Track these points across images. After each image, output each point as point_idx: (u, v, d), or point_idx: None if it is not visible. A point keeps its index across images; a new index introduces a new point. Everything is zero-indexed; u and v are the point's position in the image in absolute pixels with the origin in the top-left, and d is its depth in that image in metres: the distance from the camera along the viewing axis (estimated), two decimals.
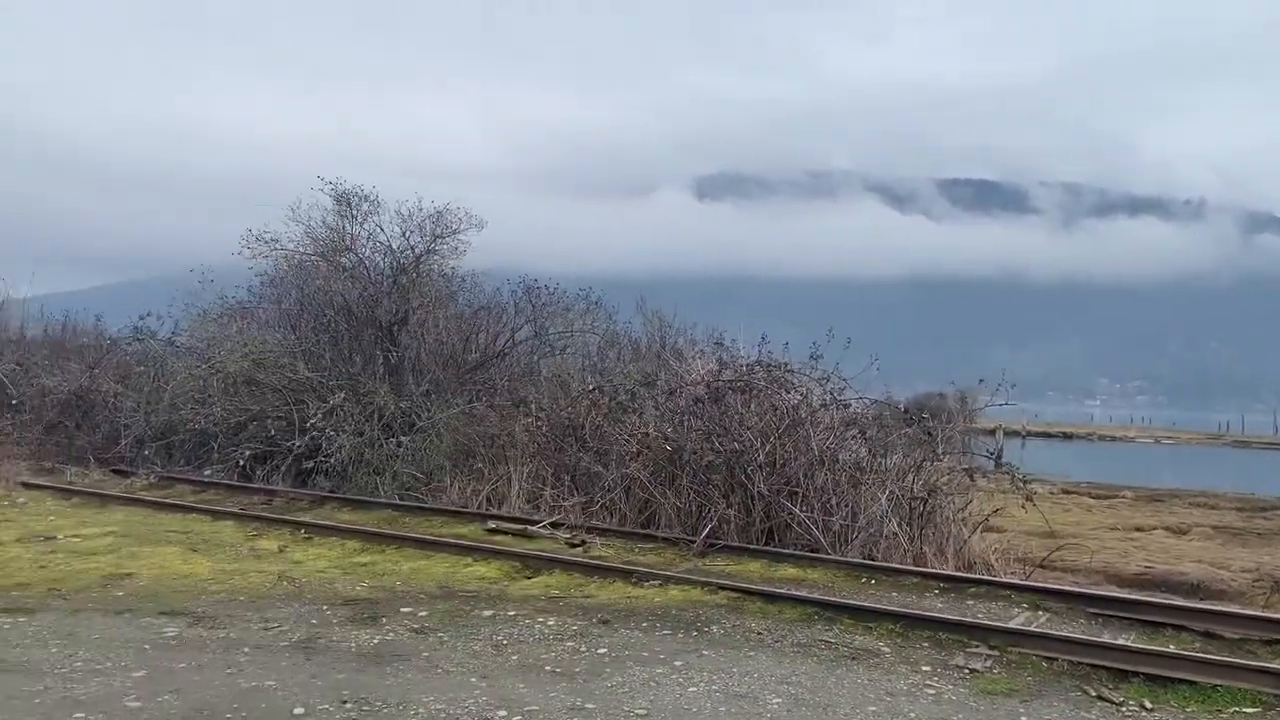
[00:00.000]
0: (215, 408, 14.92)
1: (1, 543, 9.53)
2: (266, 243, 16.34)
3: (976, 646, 7.09)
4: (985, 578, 9.50)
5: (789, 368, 11.92)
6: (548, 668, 6.41)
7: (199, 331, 17.60)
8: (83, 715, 5.33)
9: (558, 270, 18.67)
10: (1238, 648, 7.37)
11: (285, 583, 8.43)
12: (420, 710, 5.56)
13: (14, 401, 16.63)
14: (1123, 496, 23.63)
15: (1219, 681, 6.33)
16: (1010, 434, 41.84)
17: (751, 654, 6.85)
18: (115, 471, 14.50)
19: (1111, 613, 8.19)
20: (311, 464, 13.99)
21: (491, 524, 11.02)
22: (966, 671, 6.63)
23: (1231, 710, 6.03)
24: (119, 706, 5.48)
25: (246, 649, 6.58)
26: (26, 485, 12.87)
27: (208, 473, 14.35)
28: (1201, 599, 10.73)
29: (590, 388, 13.21)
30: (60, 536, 9.91)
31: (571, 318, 16.99)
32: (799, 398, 11.65)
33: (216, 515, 11.36)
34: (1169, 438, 69.06)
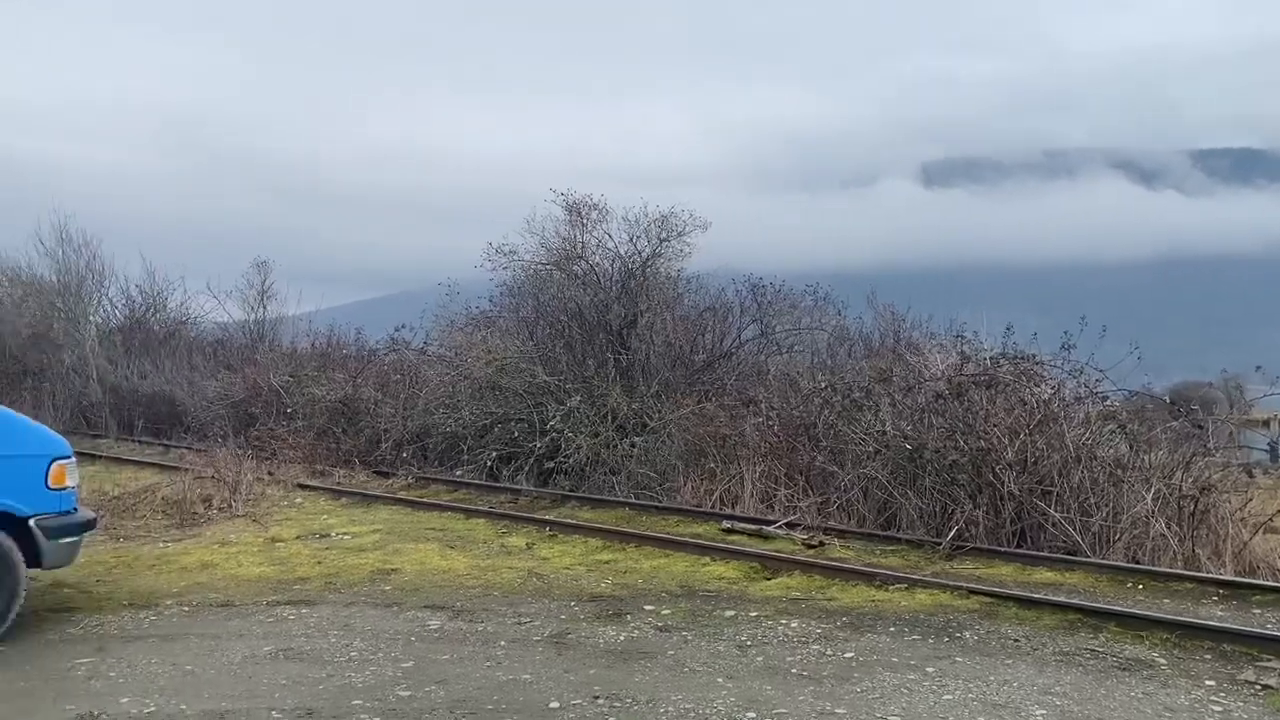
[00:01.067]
0: (463, 412, 15.77)
1: (284, 540, 10.42)
2: (505, 255, 17.19)
3: (1268, 660, 6.42)
4: (1272, 584, 8.60)
5: (1037, 359, 11.26)
6: (794, 670, 6.33)
7: (447, 341, 18.71)
8: (360, 702, 5.73)
9: (781, 267, 18.53)
10: None
11: (534, 579, 8.77)
12: (669, 708, 5.62)
13: (289, 410, 18.21)
14: None
15: None
16: None
17: (1009, 662, 6.49)
18: (377, 473, 15.58)
19: None
20: (552, 464, 14.51)
21: (727, 524, 11.03)
22: (1258, 688, 6.01)
23: None
24: (391, 695, 5.85)
25: (502, 643, 6.88)
26: (302, 486, 14.02)
27: (459, 473, 15.16)
28: None
29: (821, 385, 12.99)
30: (333, 534, 10.74)
31: (798, 315, 16.81)
32: (1050, 391, 10.97)
33: (469, 514, 11.97)
34: None
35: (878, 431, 11.66)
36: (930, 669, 6.34)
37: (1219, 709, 5.67)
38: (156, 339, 25.27)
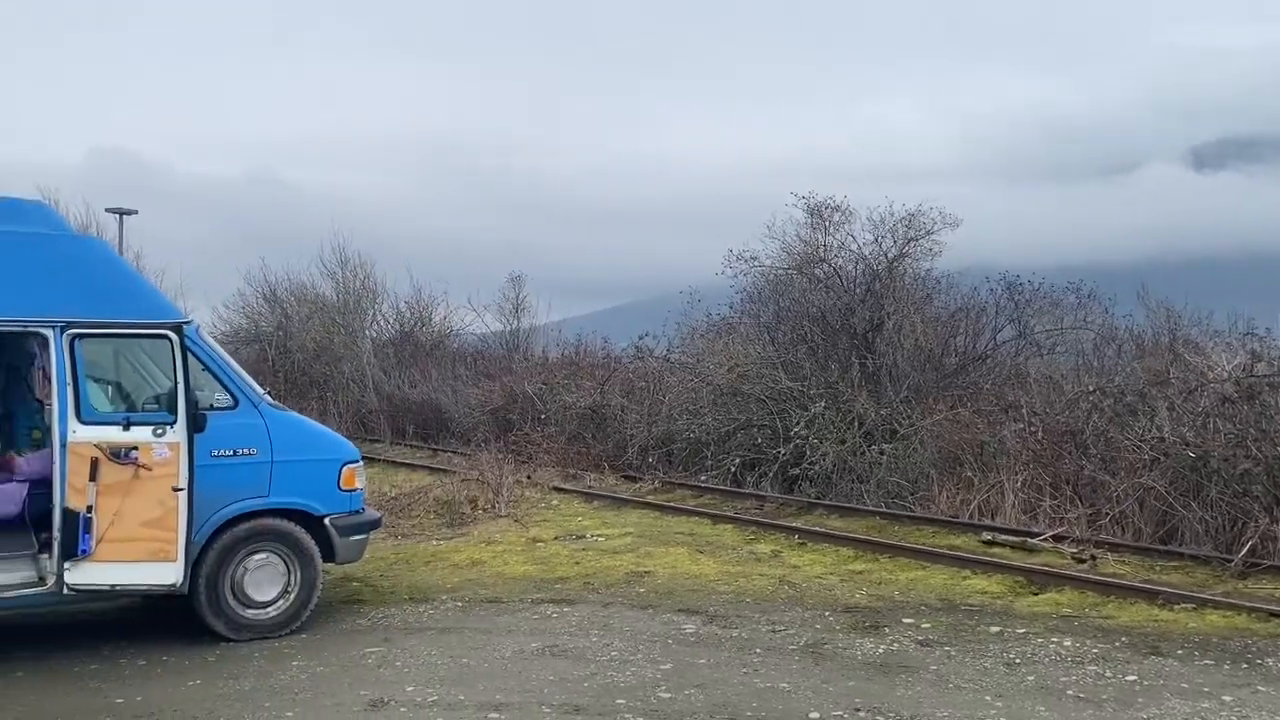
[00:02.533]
0: (706, 418, 15.92)
1: (543, 540, 10.90)
2: (746, 261, 17.24)
3: None
4: None
5: None
6: (1069, 692, 5.95)
7: (689, 347, 18.98)
8: (623, 701, 5.89)
9: (1035, 262, 17.49)
10: None
11: (786, 587, 8.71)
12: None
13: (542, 416, 19.05)
14: None
15: None
16: None
17: None
18: (625, 477, 16.00)
19: None
20: (797, 471, 14.37)
21: (987, 535, 10.52)
22: None
23: None
24: (653, 696, 5.98)
25: (758, 650, 6.88)
26: (557, 489, 14.61)
27: (703, 478, 15.31)
28: None
29: (1089, 389, 12.15)
30: (588, 535, 11.12)
31: (1060, 314, 15.83)
32: None
33: (715, 519, 12.06)
34: None
35: (1154, 438, 10.77)
36: (1227, 697, 5.79)
37: None
38: (423, 350, 27.11)
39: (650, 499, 13.91)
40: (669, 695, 5.98)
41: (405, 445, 22.26)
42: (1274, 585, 8.51)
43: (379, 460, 18.51)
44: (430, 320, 28.97)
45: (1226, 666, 6.38)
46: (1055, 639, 7.01)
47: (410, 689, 6.12)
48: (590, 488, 14.93)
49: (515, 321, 27.88)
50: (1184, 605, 7.70)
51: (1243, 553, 9.01)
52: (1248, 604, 7.59)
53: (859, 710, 5.66)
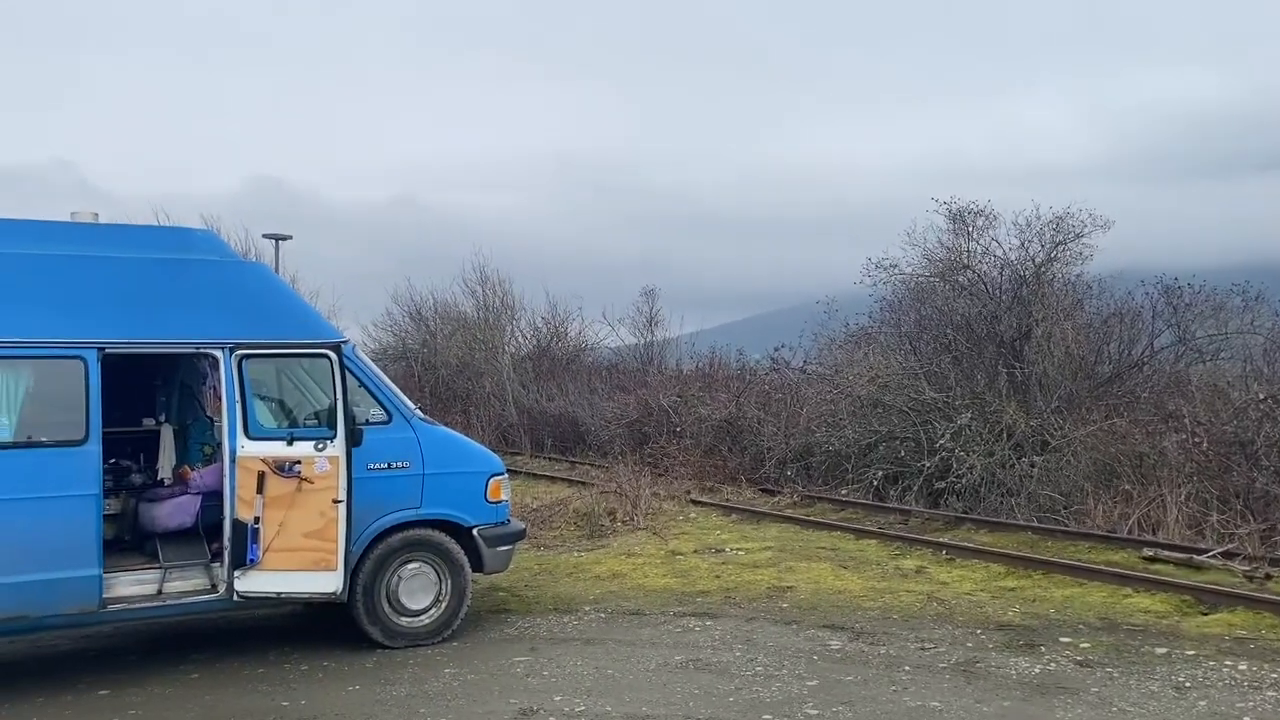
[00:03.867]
0: (846, 430, 15.65)
1: (683, 553, 10.91)
2: (886, 269, 16.90)
3: None
4: None
5: None
6: (1246, 719, 5.60)
7: (826, 358, 18.72)
8: (769, 717, 5.84)
9: (1196, 264, 16.52)
10: None
11: (935, 603, 8.48)
12: None
13: (678, 429, 19.10)
14: None
15: None
16: None
17: None
18: (763, 490, 15.87)
19: None
20: (943, 484, 13.97)
21: (1149, 551, 9.99)
22: None
23: None
24: (799, 713, 5.91)
25: (907, 668, 6.71)
26: (694, 502, 14.61)
27: (844, 492, 15.06)
28: None
29: (1260, 397, 11.42)
30: (727, 549, 11.08)
31: (1225, 317, 14.93)
32: None
33: (859, 534, 11.83)
34: None
35: None
36: None
37: None
38: (560, 364, 27.62)
39: (789, 513, 13.75)
40: (816, 712, 5.90)
41: (544, 458, 22.67)
42: None
43: (520, 473, 18.90)
44: (565, 335, 29.50)
45: None
46: (1229, 662, 6.61)
47: (558, 698, 6.22)
48: (728, 501, 14.88)
49: (649, 334, 28.10)
50: None
51: None
52: None
53: None
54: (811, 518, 13.26)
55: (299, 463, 6.83)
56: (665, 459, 17.85)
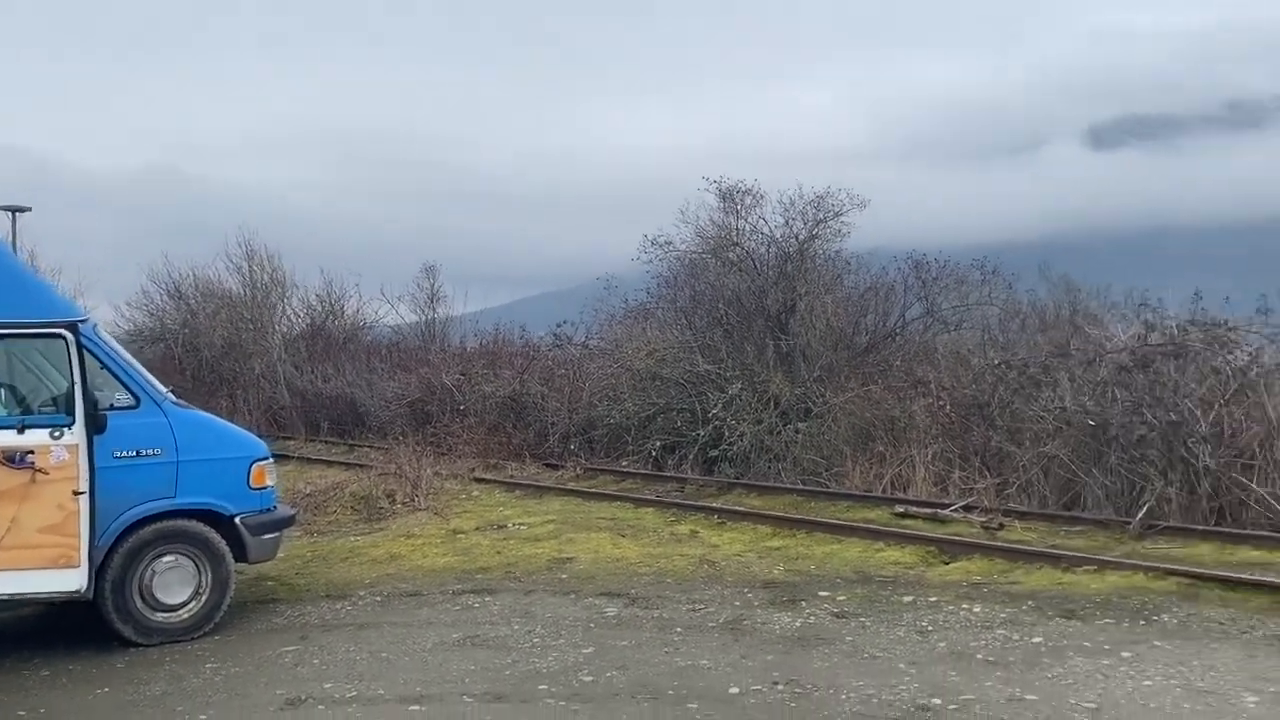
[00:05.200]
0: (626, 403, 15.97)
1: (464, 531, 10.82)
2: (661, 246, 17.29)
3: None
4: None
5: (1231, 325, 10.53)
6: (979, 656, 6.15)
7: (607, 334, 19.00)
8: (545, 687, 5.90)
9: (944, 242, 17.92)
10: None
11: (706, 566, 8.81)
12: (852, 694, 5.55)
13: (461, 407, 18.88)
14: None
15: None
16: None
17: (1214, 646, 6.11)
18: (547, 465, 15.97)
19: None
20: (716, 452, 14.53)
21: (899, 508, 10.79)
22: None
23: None
24: (575, 680, 6.00)
25: (679, 629, 6.95)
26: (478, 480, 14.49)
27: (624, 463, 15.38)
28: None
29: (994, 363, 12.52)
30: (510, 525, 11.08)
31: (966, 290, 16.23)
32: (1247, 357, 10.24)
33: (637, 503, 12.12)
34: None
35: (1057, 408, 11.16)
36: (1126, 654, 6.04)
37: None
38: (336, 344, 26.59)
39: (572, 486, 13.92)
40: (591, 678, 6.01)
41: (320, 442, 21.87)
42: (1169, 545, 8.90)
43: (292, 458, 18.16)
44: (342, 313, 28.46)
45: (1125, 624, 6.65)
46: (965, 606, 7.22)
47: (328, 686, 6.04)
48: (512, 477, 14.87)
49: (431, 312, 27.55)
50: (1086, 568, 7.99)
51: (1140, 515, 9.40)
52: (1145, 564, 7.90)
53: (776, 683, 5.76)
54: (594, 489, 13.48)
55: (32, 452, 6.29)
56: (449, 438, 17.62)
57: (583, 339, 19.30)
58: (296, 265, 28.99)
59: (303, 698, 5.84)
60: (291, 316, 28.40)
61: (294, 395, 24.24)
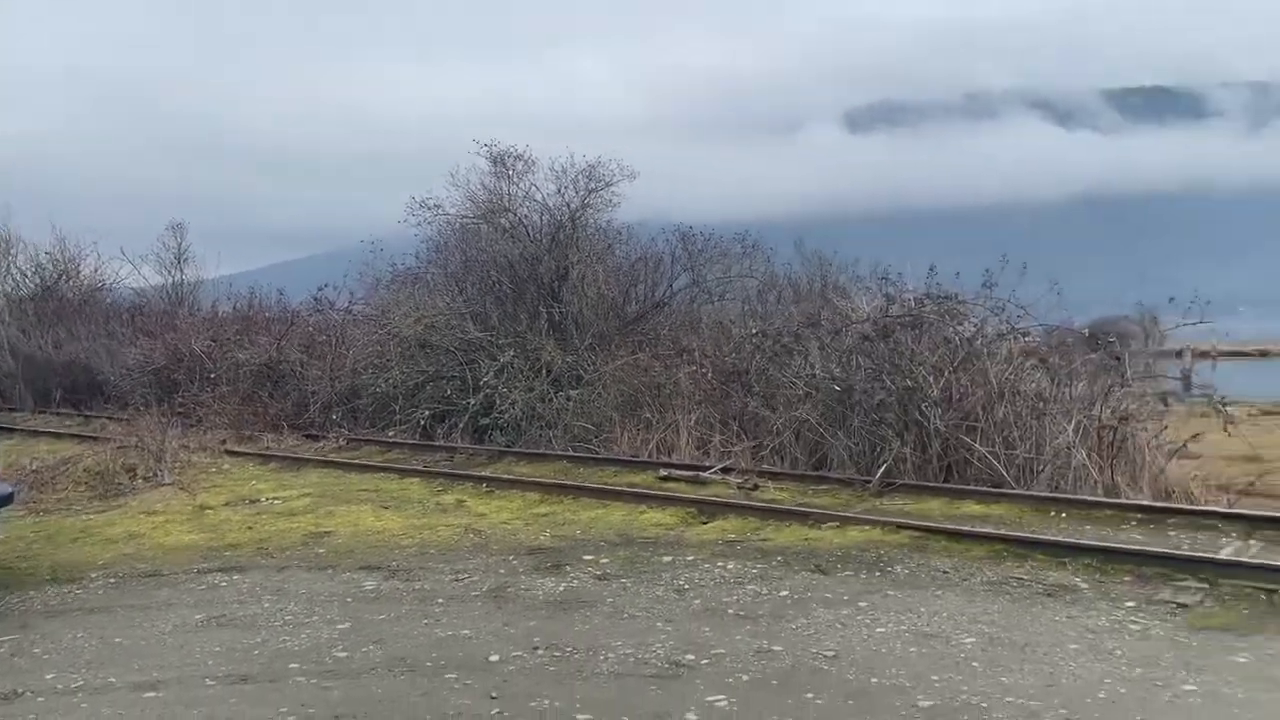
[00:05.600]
0: (394, 371, 15.56)
1: (212, 507, 10.23)
2: (430, 209, 16.89)
3: (1184, 580, 6.68)
4: (1186, 507, 8.94)
5: (960, 299, 11.45)
6: (731, 611, 6.42)
7: (373, 299, 18.39)
8: (296, 665, 5.67)
9: (711, 216, 18.52)
10: None
11: (472, 535, 8.74)
12: (610, 654, 5.66)
13: (211, 375, 17.78)
14: None
15: None
16: (1199, 356, 39.19)
17: (939, 593, 6.66)
18: (307, 436, 15.33)
19: None
20: (487, 420, 14.42)
21: (663, 472, 11.10)
22: (1174, 606, 6.26)
23: None
24: (328, 656, 5.80)
25: (440, 600, 6.86)
26: (230, 452, 13.74)
27: (391, 434, 15.00)
28: None
29: (753, 332, 13.06)
30: (263, 499, 10.57)
31: (729, 263, 16.82)
32: (973, 329, 11.18)
33: (403, 474, 11.86)
34: None
35: (808, 375, 11.79)
36: (863, 603, 6.48)
37: (1137, 628, 5.89)
38: (70, 306, 24.42)
39: (334, 458, 13.45)
40: (345, 654, 5.83)
41: (51, 413, 20.09)
42: (904, 501, 9.62)
43: (16, 430, 16.60)
44: (77, 273, 26.13)
45: (863, 576, 7.13)
46: (720, 563, 7.53)
47: (50, 676, 5.55)
48: (268, 449, 14.19)
49: (178, 274, 25.75)
50: (830, 524, 8.51)
51: (879, 474, 10.11)
52: (881, 519, 8.51)
53: (537, 648, 5.79)
54: (357, 461, 13.07)
55: None
56: (198, 409, 16.62)
57: (346, 304, 18.61)
58: (25, 222, 26.38)
59: (19, 691, 5.33)
60: (17, 276, 25.82)
61: (19, 362, 22.07)
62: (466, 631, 6.18)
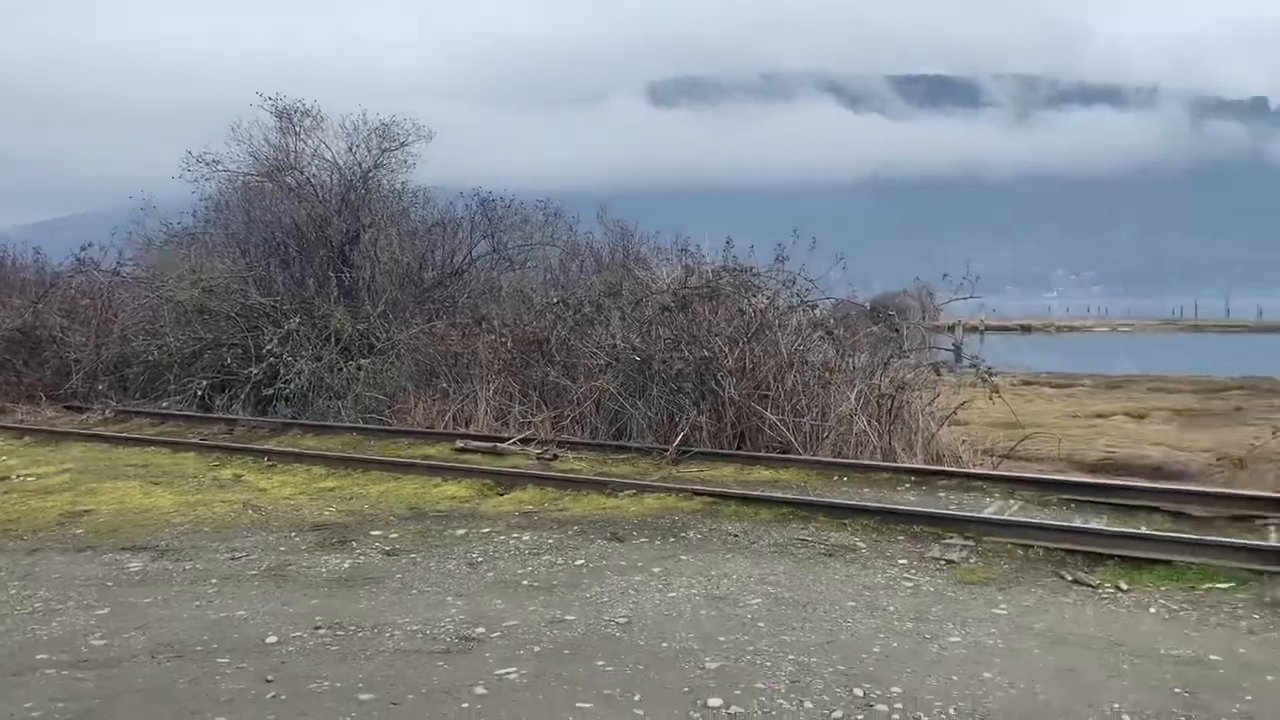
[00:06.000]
0: (168, 338, 14.56)
1: None
2: (208, 164, 15.78)
3: (951, 538, 7.10)
4: (955, 470, 9.54)
5: (755, 271, 11.75)
6: (525, 582, 6.32)
7: (145, 260, 17.09)
8: (46, 656, 5.16)
9: (513, 184, 18.22)
10: (1207, 525, 7.45)
11: (251, 511, 8.25)
12: (396, 631, 5.45)
13: None
14: (1082, 385, 23.97)
15: (1193, 560, 6.38)
16: (969, 329, 42.21)
17: (729, 556, 6.80)
18: (68, 408, 14.16)
19: (1083, 498, 8.25)
20: (271, 391, 13.72)
21: (460, 443, 10.87)
22: (943, 563, 6.64)
23: (1206, 587, 6.08)
24: (83, 645, 5.31)
25: (214, 580, 6.43)
26: None
27: (166, 405, 14.03)
28: (1165, 480, 10.89)
29: (554, 301, 12.97)
30: (13, 476, 9.64)
31: (530, 230, 16.64)
32: (766, 301, 11.51)
33: (177, 447, 11.10)
34: (1125, 326, 70.27)
35: (608, 345, 11.82)
36: (657, 569, 6.53)
37: (910, 584, 6.21)
38: None
39: (99, 431, 12.45)
40: (103, 642, 5.35)
41: None
42: (699, 469, 9.82)
43: None
44: None
45: (658, 542, 7.20)
46: (516, 535, 7.42)
47: None
48: (21, 422, 13.01)
49: None
50: (628, 492, 8.56)
51: (676, 442, 10.26)
52: (676, 486, 8.64)
53: (319, 628, 5.51)
54: (126, 434, 12.16)
55: None
56: None
57: (114, 265, 17.21)
58: None
59: None
60: None
61: None
62: (242, 612, 5.81)
